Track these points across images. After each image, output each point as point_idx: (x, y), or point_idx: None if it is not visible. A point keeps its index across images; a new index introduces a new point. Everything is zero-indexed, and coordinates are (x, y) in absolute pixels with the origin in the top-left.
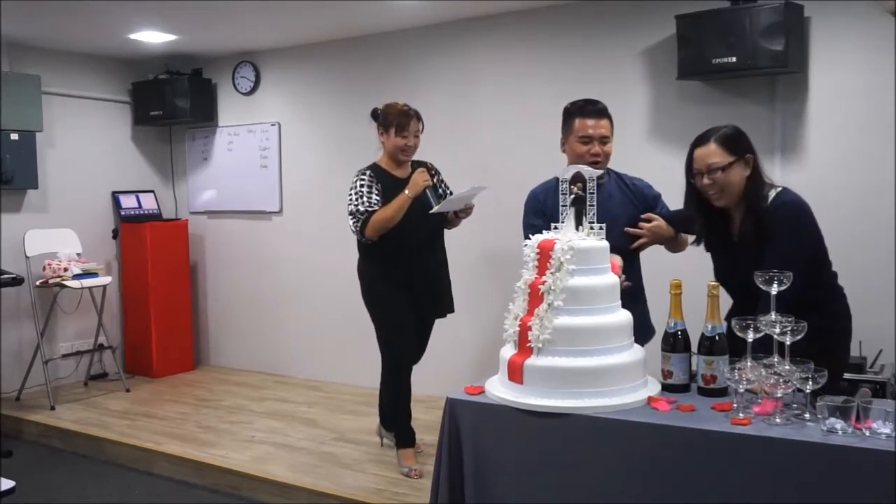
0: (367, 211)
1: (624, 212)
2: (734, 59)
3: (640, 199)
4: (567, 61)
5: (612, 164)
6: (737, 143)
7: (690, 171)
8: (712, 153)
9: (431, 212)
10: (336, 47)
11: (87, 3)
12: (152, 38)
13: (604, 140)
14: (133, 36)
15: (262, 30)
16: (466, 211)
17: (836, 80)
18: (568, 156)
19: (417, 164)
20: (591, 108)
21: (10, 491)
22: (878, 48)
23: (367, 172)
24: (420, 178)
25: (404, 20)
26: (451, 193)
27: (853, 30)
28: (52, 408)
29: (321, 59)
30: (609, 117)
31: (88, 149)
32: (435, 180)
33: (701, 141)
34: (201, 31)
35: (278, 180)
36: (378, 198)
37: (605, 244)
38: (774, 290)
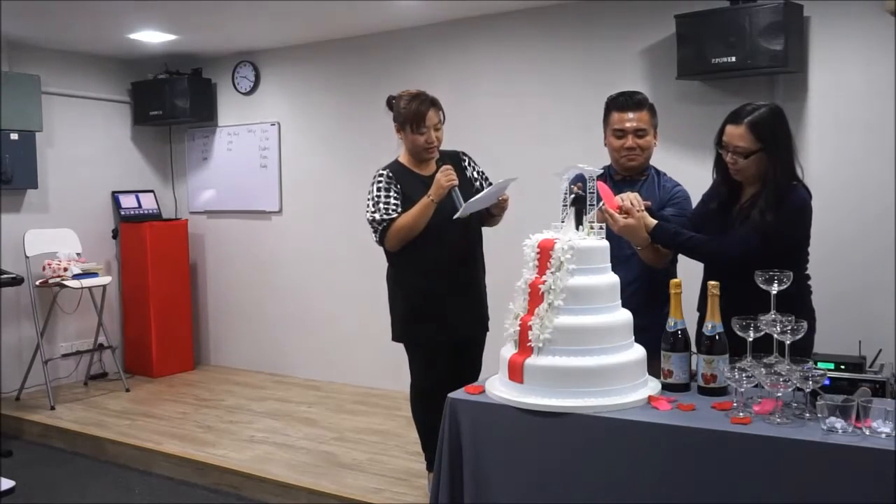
0: (384, 219)
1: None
2: (734, 58)
3: (664, 198)
4: (567, 61)
5: None
6: (768, 130)
7: (720, 141)
8: (741, 136)
9: (455, 217)
10: (336, 47)
11: (87, 3)
12: (152, 37)
13: (639, 133)
14: (133, 36)
15: (262, 30)
16: (501, 206)
17: (835, 79)
18: (608, 151)
19: (447, 156)
20: (625, 100)
21: (10, 491)
22: (878, 48)
23: (385, 173)
24: (443, 179)
25: (404, 20)
26: (489, 183)
27: (853, 30)
28: (52, 408)
29: (321, 59)
30: (649, 109)
31: (88, 149)
32: (468, 173)
33: (735, 118)
34: (201, 31)
35: (278, 180)
36: (398, 202)
37: (605, 244)
38: (774, 289)
